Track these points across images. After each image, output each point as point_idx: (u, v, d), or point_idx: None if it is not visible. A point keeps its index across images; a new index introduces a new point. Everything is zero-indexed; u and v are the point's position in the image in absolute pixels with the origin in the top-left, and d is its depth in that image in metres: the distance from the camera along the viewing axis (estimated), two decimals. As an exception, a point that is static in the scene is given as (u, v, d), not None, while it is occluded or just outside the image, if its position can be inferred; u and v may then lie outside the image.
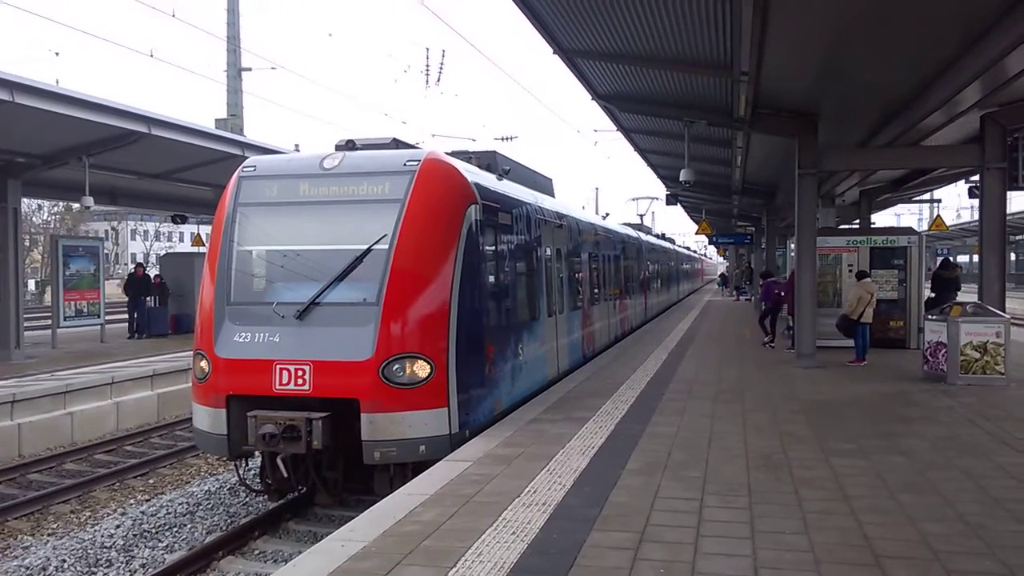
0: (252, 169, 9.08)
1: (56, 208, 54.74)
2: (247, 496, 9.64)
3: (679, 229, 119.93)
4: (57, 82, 15.76)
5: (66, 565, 7.86)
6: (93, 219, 64.25)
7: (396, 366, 7.77)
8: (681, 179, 17.98)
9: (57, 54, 64.94)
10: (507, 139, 33.99)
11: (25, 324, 18.75)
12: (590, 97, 15.96)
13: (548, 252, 12.13)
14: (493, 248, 9.43)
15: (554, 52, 12.82)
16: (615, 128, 20.27)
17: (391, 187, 8.40)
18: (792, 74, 12.08)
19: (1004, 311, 12.65)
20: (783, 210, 28.36)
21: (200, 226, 32.39)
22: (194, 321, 8.94)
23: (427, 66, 28.40)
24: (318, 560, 5.04)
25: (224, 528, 8.78)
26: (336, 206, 8.58)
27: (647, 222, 41.08)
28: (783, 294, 17.55)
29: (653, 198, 40.24)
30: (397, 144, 9.60)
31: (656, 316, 27.23)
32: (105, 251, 25.48)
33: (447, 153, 9.68)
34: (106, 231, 67.35)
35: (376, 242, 8.17)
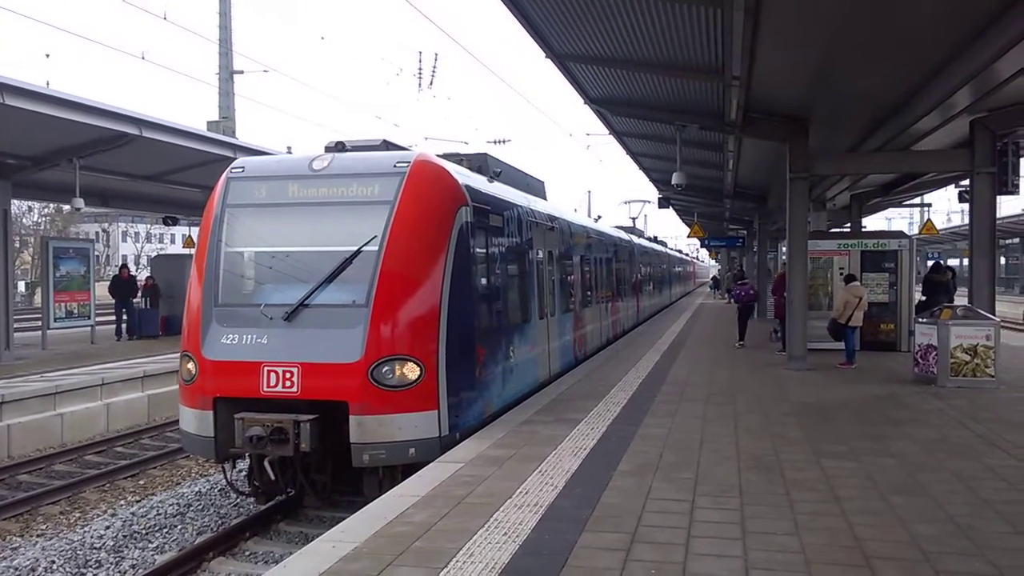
0: (240, 170, 9.00)
1: (47, 210, 54.38)
2: (237, 497, 9.61)
3: (671, 232, 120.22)
4: (48, 84, 15.72)
5: (55, 566, 7.81)
6: (84, 221, 63.95)
7: (385, 368, 7.70)
8: (673, 182, 18.06)
9: (48, 56, 64.70)
10: (500, 142, 34.08)
11: (15, 325, 18.67)
12: (582, 101, 16.02)
13: (539, 254, 12.08)
14: (484, 250, 9.37)
15: (546, 56, 12.86)
16: (607, 132, 20.33)
17: (381, 189, 8.35)
18: (783, 79, 12.14)
19: (994, 314, 12.73)
20: (775, 214, 28.48)
21: (191, 228, 32.29)
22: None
23: (420, 69, 28.40)
24: (309, 561, 5.03)
25: (215, 529, 8.74)
26: (325, 208, 8.52)
27: (640, 225, 41.11)
28: (755, 295, 18.38)
29: (645, 201, 40.38)
30: (387, 146, 9.54)
31: (648, 319, 27.24)
32: (96, 253, 25.38)
33: (438, 155, 9.64)
34: (97, 233, 67.06)
35: (365, 244, 8.11)
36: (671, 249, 49.87)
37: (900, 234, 18.28)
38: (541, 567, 4.81)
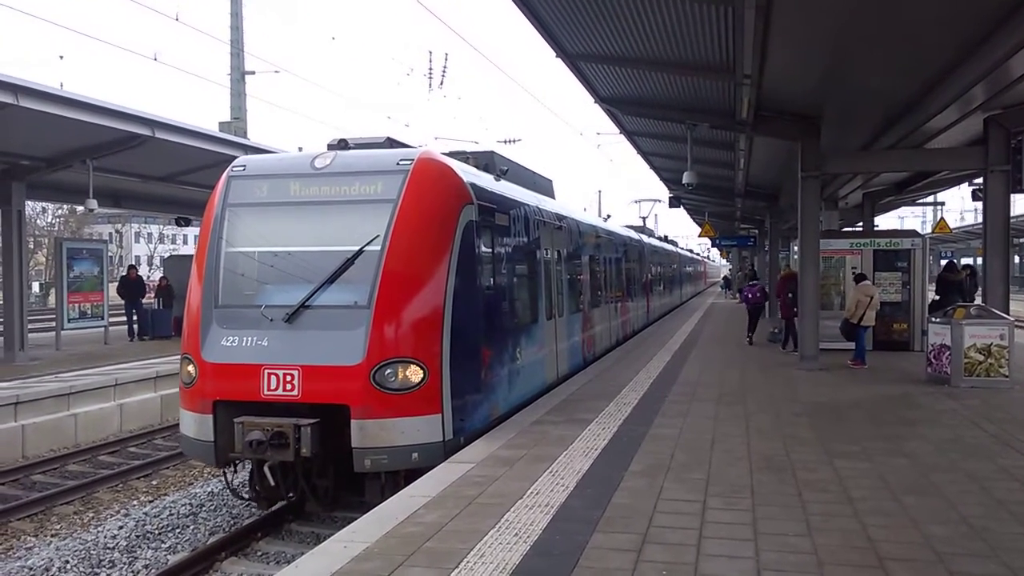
0: (242, 169, 8.88)
1: (60, 211, 54.81)
2: (245, 501, 9.63)
3: (682, 231, 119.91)
4: (61, 85, 15.80)
5: (69, 566, 7.87)
6: (97, 221, 64.37)
7: (388, 371, 7.56)
8: (684, 182, 17.99)
9: (61, 57, 65.21)
10: (510, 142, 34.09)
11: (29, 326, 18.81)
12: (593, 100, 15.98)
13: (547, 254, 11.92)
14: (489, 250, 9.22)
15: (557, 55, 12.84)
16: (618, 131, 20.28)
17: (384, 187, 8.20)
18: (795, 77, 12.09)
19: (1008, 313, 12.63)
20: (786, 213, 28.34)
21: (204, 229, 32.34)
22: None
23: (430, 69, 28.45)
24: (320, 561, 5.05)
25: (227, 529, 8.78)
26: (327, 206, 8.39)
27: (650, 225, 41.01)
28: (763, 296, 18.65)
29: (656, 200, 40.29)
30: (391, 143, 9.39)
31: (659, 319, 27.11)
32: (109, 253, 25.55)
33: (444, 153, 9.52)
34: (110, 234, 67.49)
35: (368, 243, 7.97)
36: (682, 249, 49.73)
37: (913, 233, 18.17)
38: (552, 568, 4.80)
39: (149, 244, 78.12)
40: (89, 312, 20.19)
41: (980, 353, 11.69)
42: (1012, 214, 15.31)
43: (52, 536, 9.16)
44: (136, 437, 13.50)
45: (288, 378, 7.59)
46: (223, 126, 23.63)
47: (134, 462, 12.05)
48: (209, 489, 10.42)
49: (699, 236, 39.34)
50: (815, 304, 14.42)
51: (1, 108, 12.67)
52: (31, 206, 43.29)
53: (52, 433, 12.77)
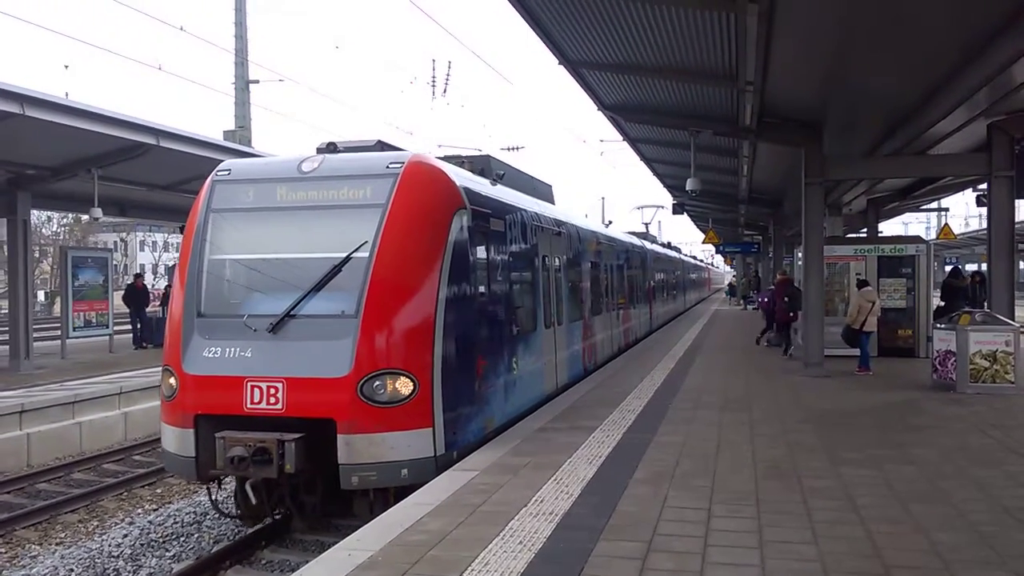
0: (227, 173, 8.55)
1: (65, 220, 55.06)
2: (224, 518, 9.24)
3: (686, 238, 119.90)
4: (67, 95, 15.88)
5: (74, 574, 7.87)
6: (102, 230, 64.59)
7: (376, 383, 7.25)
8: (687, 188, 17.99)
9: (67, 67, 65.45)
10: (513, 149, 34.11)
11: (34, 335, 18.85)
12: (596, 108, 16.02)
13: (546, 261, 11.63)
14: (484, 256, 8.91)
15: (559, 63, 12.88)
16: (621, 138, 20.32)
17: (373, 191, 7.91)
18: (798, 84, 12.10)
19: (1013, 319, 12.60)
20: (790, 219, 28.36)
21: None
22: None
23: (433, 77, 28.51)
24: (324, 569, 5.04)
25: (231, 538, 8.76)
26: (314, 212, 8.09)
27: (654, 231, 40.96)
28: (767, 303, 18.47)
29: (659, 207, 40.16)
30: (382, 146, 9.04)
31: (662, 326, 26.95)
32: (114, 262, 25.62)
33: (439, 158, 9.34)
34: (115, 242, 67.66)
35: (356, 250, 7.67)
36: (685, 255, 49.65)
37: (917, 239, 18.17)
38: (557, 576, 4.79)
39: (154, 252, 78.38)
40: (94, 321, 20.25)
41: (986, 359, 11.65)
42: (1017, 219, 15.29)
43: (57, 544, 9.16)
44: (141, 445, 13.50)
45: (272, 391, 7.31)
46: (227, 135, 23.69)
47: (139, 470, 12.06)
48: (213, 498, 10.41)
49: (703, 243, 39.27)
50: (819, 311, 14.39)
51: (7, 118, 12.73)
52: (36, 215, 43.46)
53: (57, 441, 12.79)
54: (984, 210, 17.02)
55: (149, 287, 26.11)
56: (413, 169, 8.05)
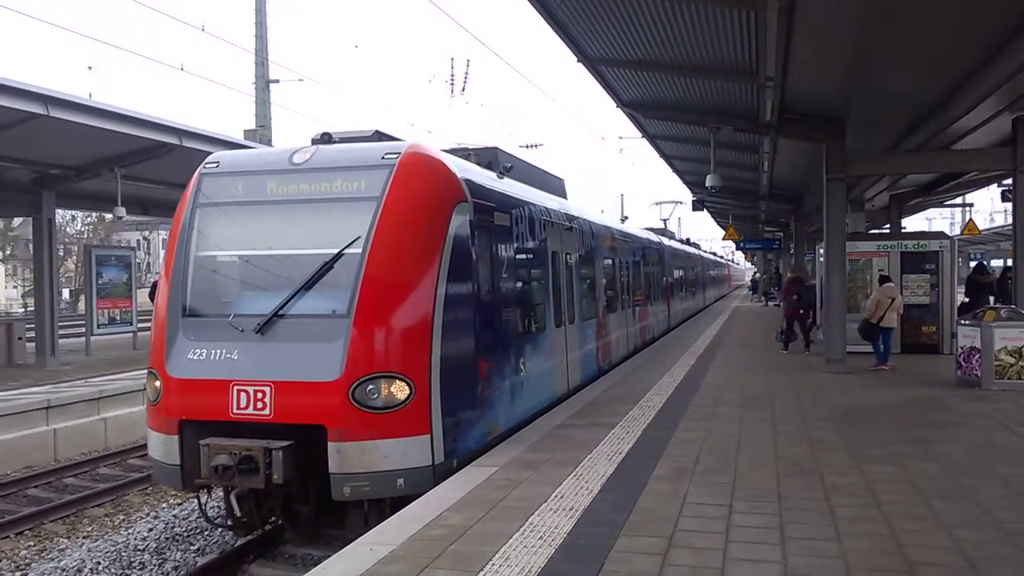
0: (215, 165, 8.16)
1: (89, 218, 55.72)
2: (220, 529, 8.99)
3: (706, 235, 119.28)
4: (90, 96, 16.13)
5: (100, 567, 7.99)
6: (125, 229, 65.17)
7: (369, 387, 6.82)
8: (707, 185, 17.90)
9: (90, 68, 66.27)
10: (532, 146, 34.17)
11: (60, 332, 19.12)
12: (615, 105, 15.98)
13: (556, 257, 11.17)
14: (488, 251, 8.46)
15: (578, 60, 12.86)
16: (640, 135, 20.24)
17: (367, 183, 7.47)
18: (819, 79, 12.00)
19: (1039, 316, 12.42)
20: (811, 215, 28.14)
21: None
22: None
23: (452, 76, 28.65)
24: (347, 564, 5.08)
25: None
26: (306, 205, 7.66)
27: (674, 228, 40.77)
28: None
29: (677, 202, 39.89)
30: (380, 137, 8.58)
31: (680, 324, 26.57)
32: (137, 260, 25.93)
33: (444, 150, 8.94)
34: (138, 240, 68.37)
35: (348, 245, 7.26)
36: (705, 252, 49.35)
37: (941, 235, 17.95)
38: (577, 571, 4.80)
39: (176, 251, 78.86)
40: (118, 318, 20.52)
41: (1011, 355, 11.51)
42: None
43: (84, 538, 9.31)
44: (164, 441, 13.64)
45: (259, 395, 6.90)
46: (248, 134, 23.89)
47: (163, 466, 12.19)
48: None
49: (723, 239, 39.06)
50: (841, 307, 14.28)
51: (32, 118, 12.92)
52: (61, 214, 44.01)
53: (83, 437, 12.98)
54: (1009, 205, 16.78)
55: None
56: (410, 160, 7.63)
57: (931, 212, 51.95)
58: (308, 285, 7.27)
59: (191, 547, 8.56)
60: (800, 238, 31.81)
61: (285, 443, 6.81)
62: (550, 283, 10.82)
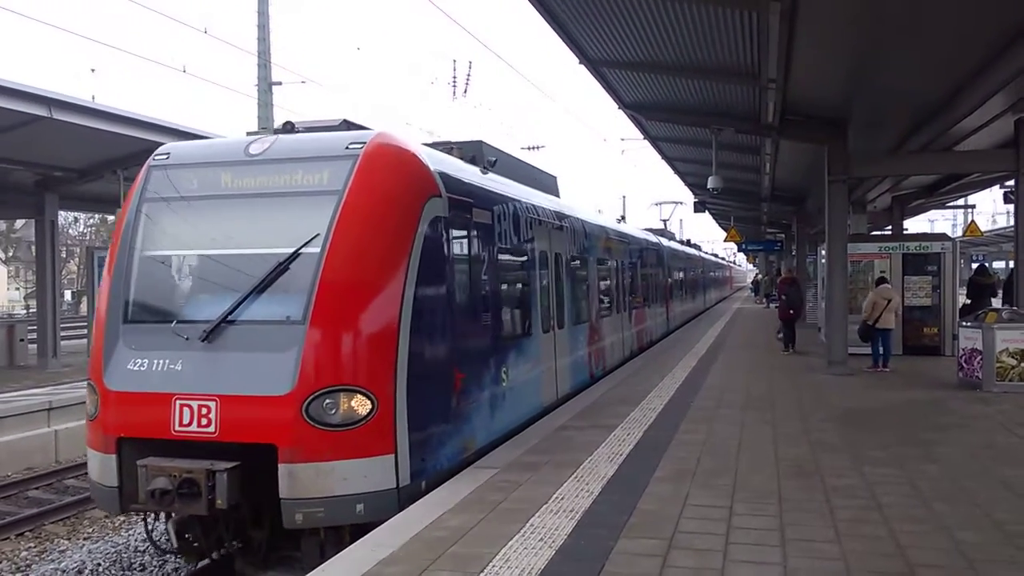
0: (165, 157, 7.48)
1: (91, 220, 55.82)
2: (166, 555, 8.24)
3: (708, 236, 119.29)
4: (93, 98, 16.16)
5: (101, 568, 8.01)
6: (127, 231, 65.32)
7: (326, 402, 6.19)
8: (709, 186, 17.95)
9: (93, 71, 66.44)
10: (534, 148, 34.16)
11: (61, 333, 19.15)
12: (617, 106, 16.00)
13: (544, 257, 10.62)
14: (465, 251, 7.90)
15: (580, 62, 12.88)
16: (642, 137, 20.27)
17: (330, 176, 6.86)
18: (821, 81, 12.01)
19: (1041, 318, 12.40)
20: (813, 217, 28.12)
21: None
22: None
23: (454, 77, 28.65)
24: (347, 565, 5.08)
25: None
26: (261, 200, 7.04)
27: (676, 230, 40.73)
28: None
29: (677, 202, 39.82)
30: (348, 126, 7.92)
31: (680, 326, 26.32)
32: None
33: (426, 145, 8.46)
34: (140, 243, 68.57)
35: (305, 244, 6.63)
36: (706, 253, 49.29)
37: (943, 236, 17.96)
38: (578, 573, 4.80)
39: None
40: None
41: (1013, 357, 11.50)
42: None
43: (84, 539, 9.31)
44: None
45: (204, 411, 6.28)
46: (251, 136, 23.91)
47: (164, 467, 12.20)
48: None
49: (725, 241, 39.05)
50: (843, 309, 14.27)
51: (35, 121, 12.97)
52: (63, 216, 44.10)
53: (84, 438, 12.97)
54: (1011, 207, 16.77)
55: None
56: (376, 150, 7.01)
57: (933, 214, 51.92)
58: (260, 288, 6.63)
59: (192, 548, 8.54)
60: (802, 240, 31.78)
61: (231, 464, 6.18)
62: (537, 285, 10.28)
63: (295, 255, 6.64)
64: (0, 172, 16.75)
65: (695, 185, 28.06)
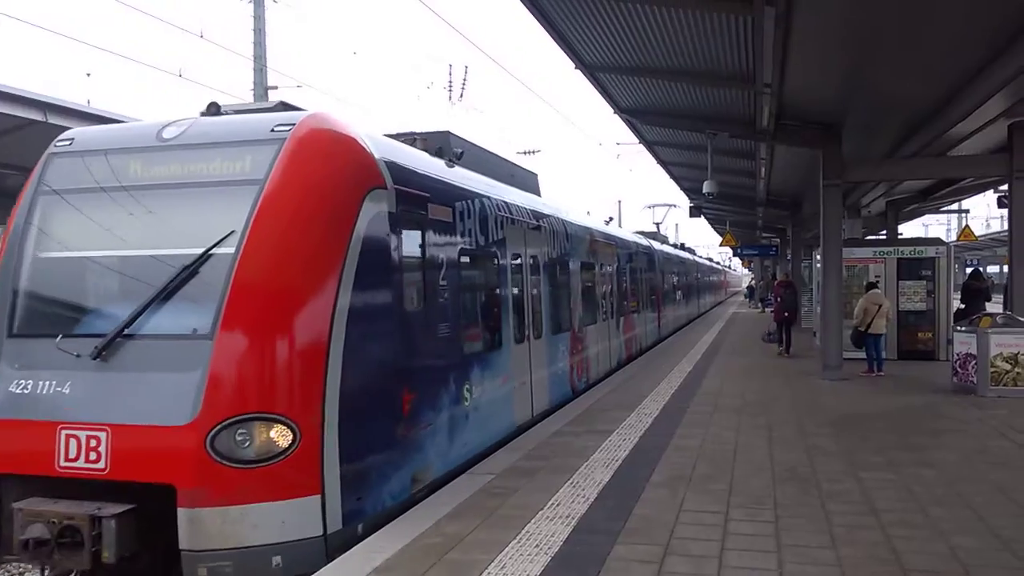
0: (68, 143, 6.57)
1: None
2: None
3: (704, 241, 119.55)
4: (88, 102, 16.09)
5: None
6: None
7: (239, 432, 5.24)
8: (704, 191, 17.99)
9: (88, 75, 66.23)
10: (530, 152, 34.21)
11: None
12: (612, 111, 16.04)
13: (518, 260, 9.78)
14: (419, 253, 6.94)
15: (576, 67, 12.92)
16: (638, 141, 20.33)
17: (252, 163, 5.97)
18: (816, 86, 12.04)
19: (1035, 322, 12.45)
20: (808, 221, 28.20)
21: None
22: None
23: (450, 82, 28.61)
24: (341, 572, 5.07)
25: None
26: (173, 192, 6.06)
27: (671, 234, 40.77)
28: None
29: (671, 205, 39.80)
30: (285, 108, 6.97)
31: (673, 332, 25.81)
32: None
33: (388, 135, 7.76)
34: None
35: (218, 243, 5.70)
36: (700, 257, 49.27)
37: (937, 241, 18.02)
38: (573, 579, 4.80)
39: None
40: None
41: (1007, 362, 11.53)
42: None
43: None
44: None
45: (93, 443, 5.31)
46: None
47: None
48: None
49: (720, 245, 39.13)
50: (838, 314, 14.30)
51: (30, 125, 12.95)
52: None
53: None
54: (1005, 211, 16.84)
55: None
56: (307, 134, 6.12)
57: (927, 218, 52.13)
58: (164, 296, 5.69)
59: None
60: (797, 244, 31.87)
61: (121, 509, 5.20)
62: (509, 291, 9.40)
63: (205, 256, 5.72)
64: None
65: (691, 190, 28.11)
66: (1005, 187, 16.25)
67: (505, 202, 9.67)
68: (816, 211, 15.66)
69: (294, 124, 6.12)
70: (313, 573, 5.15)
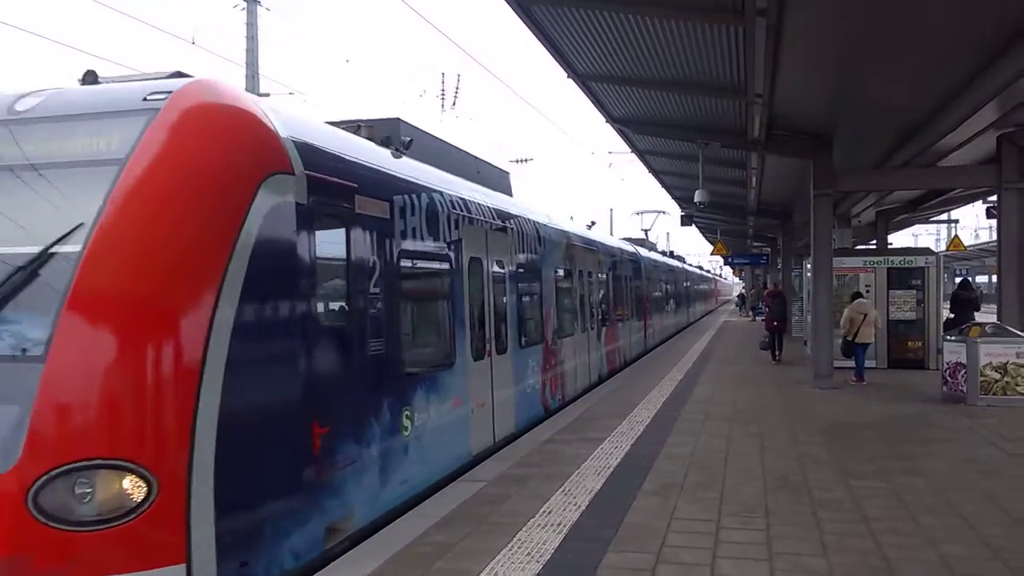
0: None
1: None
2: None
3: (695, 250, 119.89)
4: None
5: None
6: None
7: (79, 482, 4.07)
8: (695, 200, 18.05)
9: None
10: (522, 161, 34.25)
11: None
12: (604, 120, 16.09)
13: (476, 266, 8.68)
14: (341, 254, 5.84)
15: (568, 76, 12.95)
16: (630, 150, 20.39)
17: (119, 140, 4.84)
18: (806, 96, 12.12)
19: (1024, 332, 12.53)
20: (799, 231, 28.33)
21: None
22: None
23: (443, 90, 28.63)
24: (332, 580, 5.03)
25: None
26: (23, 175, 4.92)
27: (662, 244, 40.77)
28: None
29: (659, 212, 39.68)
30: (180, 77, 5.59)
31: (661, 343, 25.40)
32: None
33: (331, 123, 6.95)
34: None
35: (61, 240, 4.56)
36: (690, 265, 49.26)
37: (927, 251, 18.13)
38: (565, 587, 4.78)
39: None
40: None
41: (996, 371, 11.59)
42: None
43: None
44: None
45: None
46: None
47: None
48: None
49: (711, 254, 39.23)
50: (828, 323, 14.36)
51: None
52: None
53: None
54: (994, 222, 16.96)
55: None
56: (187, 105, 5.00)
57: (917, 228, 52.51)
58: None
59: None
60: (788, 253, 32.00)
61: None
62: (464, 301, 8.25)
63: (44, 256, 4.54)
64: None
65: (682, 199, 28.21)
66: (994, 198, 16.35)
67: (463, 199, 8.55)
68: (806, 220, 15.73)
69: (171, 92, 5.03)
70: None
